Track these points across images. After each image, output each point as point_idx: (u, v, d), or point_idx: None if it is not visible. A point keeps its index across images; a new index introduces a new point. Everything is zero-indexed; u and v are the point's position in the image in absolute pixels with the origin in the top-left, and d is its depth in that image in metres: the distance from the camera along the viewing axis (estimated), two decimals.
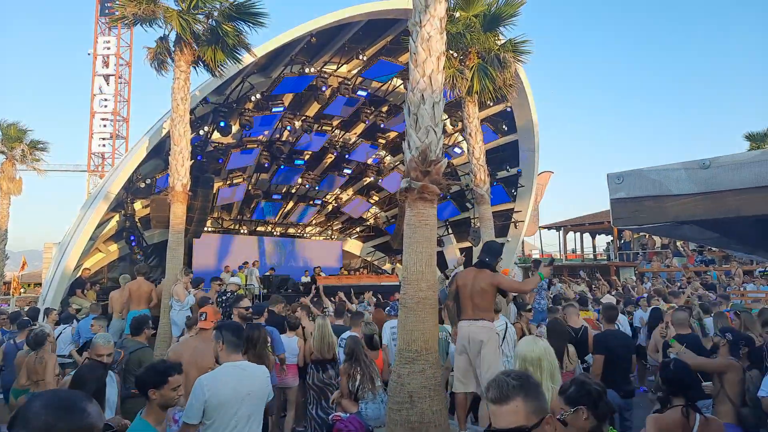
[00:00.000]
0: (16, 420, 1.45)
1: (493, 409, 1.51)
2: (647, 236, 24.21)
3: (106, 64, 33.54)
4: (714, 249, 21.26)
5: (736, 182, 1.57)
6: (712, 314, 7.11)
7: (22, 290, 23.48)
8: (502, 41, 11.81)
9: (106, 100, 33.39)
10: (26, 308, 9.65)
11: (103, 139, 33.72)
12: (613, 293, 13.42)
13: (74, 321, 8.72)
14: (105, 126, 33.58)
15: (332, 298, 10.32)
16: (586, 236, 29.79)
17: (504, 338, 5.59)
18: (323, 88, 16.24)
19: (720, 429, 3.07)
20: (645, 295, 11.16)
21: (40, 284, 20.34)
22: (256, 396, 3.23)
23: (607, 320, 5.90)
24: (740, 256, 12.37)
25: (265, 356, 4.75)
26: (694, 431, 2.92)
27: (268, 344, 5.21)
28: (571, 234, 28.73)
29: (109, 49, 33.59)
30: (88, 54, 33.96)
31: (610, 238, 27.38)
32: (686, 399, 3.05)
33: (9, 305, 16.00)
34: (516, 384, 1.50)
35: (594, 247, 30.35)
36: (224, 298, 9.30)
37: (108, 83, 33.53)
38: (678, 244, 24.14)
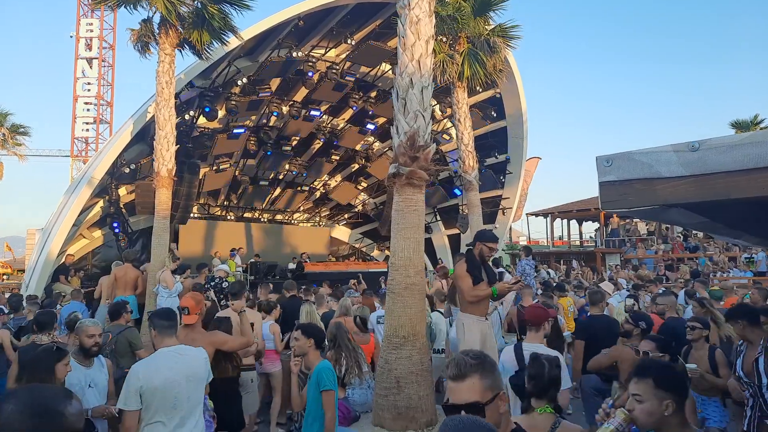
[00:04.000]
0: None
1: (452, 386, 1.59)
2: (633, 222, 24.45)
3: (89, 47, 32.86)
4: (699, 235, 21.55)
5: (726, 165, 1.55)
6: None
7: (5, 277, 23.18)
8: (492, 26, 11.75)
9: (89, 83, 32.76)
10: (8, 295, 9.50)
11: (87, 123, 33.14)
12: (594, 280, 13.57)
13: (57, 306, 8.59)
14: (88, 110, 32.99)
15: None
16: (573, 223, 30.01)
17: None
18: (310, 73, 16.07)
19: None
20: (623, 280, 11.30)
21: (23, 270, 20.06)
22: (195, 379, 3.29)
23: (591, 303, 5.95)
24: (726, 240, 12.52)
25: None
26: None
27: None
28: (558, 221, 28.91)
29: (92, 31, 32.89)
30: (71, 36, 33.22)
31: (596, 225, 27.62)
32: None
33: None
34: (474, 363, 1.58)
35: (581, 233, 30.62)
36: (212, 284, 9.26)
37: (91, 66, 32.88)
38: (663, 229, 24.42)
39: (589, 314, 6.12)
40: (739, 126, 19.97)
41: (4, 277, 23.25)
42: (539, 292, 9.49)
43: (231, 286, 6.33)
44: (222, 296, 8.52)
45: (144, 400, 3.09)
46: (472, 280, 4.72)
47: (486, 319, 4.96)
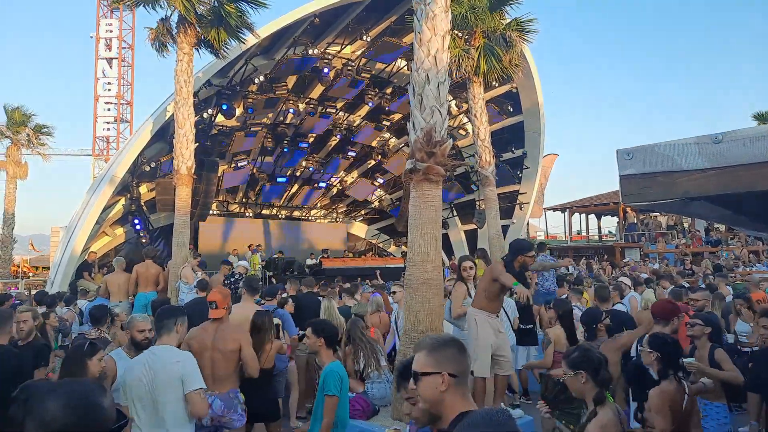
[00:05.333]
0: (30, 415, 1.39)
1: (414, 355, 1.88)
2: (652, 217, 24.09)
3: (108, 48, 33.29)
4: (721, 230, 21.16)
5: (749, 156, 1.53)
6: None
7: (30, 274, 23.70)
8: (508, 20, 11.65)
9: (109, 83, 33.19)
10: (34, 292, 9.73)
11: (108, 123, 33.60)
12: (612, 275, 13.41)
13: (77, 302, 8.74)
14: (109, 110, 33.42)
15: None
16: (592, 218, 29.67)
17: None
18: (326, 70, 16.11)
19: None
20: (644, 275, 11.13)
21: (48, 267, 20.50)
22: (162, 381, 3.20)
23: (600, 300, 5.89)
24: (749, 233, 12.28)
25: (265, 343, 4.73)
26: (687, 395, 3.16)
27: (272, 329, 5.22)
28: (576, 216, 28.61)
29: (111, 32, 33.31)
30: (91, 37, 33.67)
31: (615, 219, 27.28)
32: (674, 370, 3.26)
33: (19, 288, 16.15)
34: (428, 341, 1.86)
35: (599, 228, 30.27)
36: (232, 280, 9.36)
37: (111, 66, 33.30)
38: (685, 225, 24.03)
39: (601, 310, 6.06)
40: (762, 118, 19.55)
41: (29, 274, 23.78)
42: (554, 287, 9.41)
43: (246, 281, 6.40)
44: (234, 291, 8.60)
45: (126, 397, 3.19)
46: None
47: (497, 316, 5.06)
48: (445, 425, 1.74)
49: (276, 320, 5.08)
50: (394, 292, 6.36)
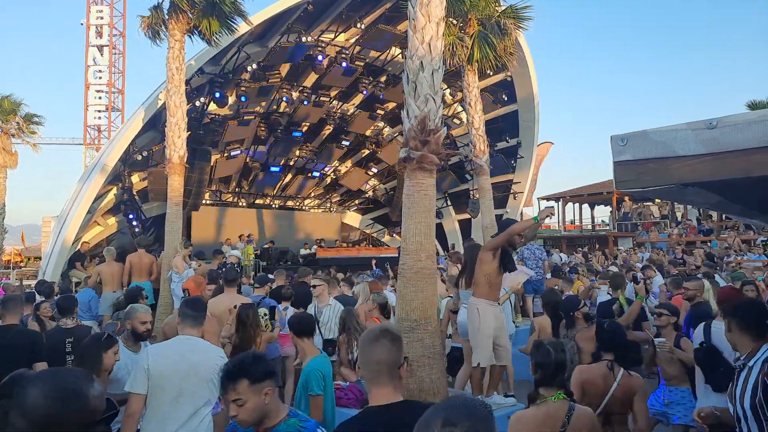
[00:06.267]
0: (15, 403, 1.37)
1: None
2: (645, 206, 24.20)
3: (99, 35, 32.91)
4: (713, 219, 21.29)
5: (744, 142, 1.52)
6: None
7: (22, 265, 23.55)
8: (503, 7, 11.58)
9: (100, 71, 32.86)
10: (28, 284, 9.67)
11: (99, 111, 33.31)
12: (605, 264, 13.49)
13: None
14: (100, 98, 33.13)
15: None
16: (585, 207, 29.77)
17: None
18: (320, 58, 15.98)
19: (640, 384, 3.33)
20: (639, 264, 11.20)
21: (40, 258, 20.37)
22: (202, 375, 3.07)
23: (614, 288, 5.93)
24: (742, 220, 12.36)
25: (255, 336, 4.73)
26: (616, 382, 3.18)
27: (262, 321, 5.23)
28: (569, 205, 28.68)
29: (102, 18, 32.91)
30: (81, 24, 33.29)
31: (608, 208, 27.38)
32: (615, 356, 3.32)
33: (10, 279, 16.05)
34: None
35: (593, 217, 30.37)
36: (224, 270, 9.33)
37: (102, 54, 32.95)
38: (678, 215, 24.16)
39: (611, 297, 6.10)
40: (755, 106, 19.57)
41: (21, 264, 23.62)
42: (548, 276, 9.46)
43: (226, 272, 6.40)
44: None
45: (150, 385, 2.97)
46: (502, 266, 4.81)
47: (499, 303, 5.03)
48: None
49: (263, 310, 5.10)
50: (314, 286, 6.14)
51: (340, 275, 9.62)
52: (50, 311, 6.61)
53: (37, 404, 1.34)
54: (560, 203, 27.66)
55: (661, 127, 1.69)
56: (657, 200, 22.78)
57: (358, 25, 15.79)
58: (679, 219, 23.48)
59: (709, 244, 18.28)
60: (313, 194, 24.44)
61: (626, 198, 23.37)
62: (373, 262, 13.11)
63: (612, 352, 3.34)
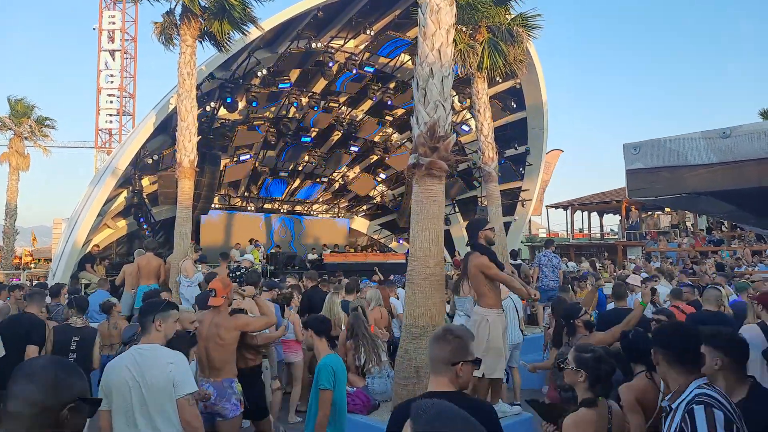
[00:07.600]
0: (16, 376, 1.44)
1: None
2: (654, 215, 24.03)
3: (111, 39, 33.25)
4: (723, 229, 21.09)
5: (757, 152, 1.51)
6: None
7: (32, 266, 23.74)
8: (513, 15, 11.60)
9: (112, 75, 33.16)
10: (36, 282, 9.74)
11: (110, 115, 33.59)
12: (616, 274, 13.38)
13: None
14: (111, 102, 33.41)
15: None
16: (594, 216, 29.59)
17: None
18: (330, 64, 16.06)
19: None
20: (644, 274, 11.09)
21: (50, 259, 20.54)
22: (149, 384, 2.82)
23: (616, 298, 5.85)
24: (754, 230, 12.24)
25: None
26: (661, 392, 3.08)
27: None
28: (578, 213, 28.53)
29: (114, 23, 33.26)
30: (93, 29, 33.64)
31: (617, 217, 27.19)
32: (646, 366, 3.18)
33: (20, 280, 16.19)
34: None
35: (601, 226, 30.18)
36: (237, 274, 9.36)
37: (114, 59, 33.27)
38: (688, 224, 23.96)
39: (614, 307, 6.02)
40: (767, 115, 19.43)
41: (31, 265, 23.82)
42: (556, 284, 9.42)
43: (248, 275, 6.41)
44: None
45: (108, 402, 2.82)
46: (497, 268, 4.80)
47: (502, 309, 5.03)
48: None
49: None
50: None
51: (346, 281, 9.60)
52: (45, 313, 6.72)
53: (45, 368, 1.44)
54: (569, 211, 27.53)
55: (674, 135, 1.68)
56: (667, 209, 22.61)
57: (368, 32, 15.86)
58: (690, 228, 23.29)
59: (719, 254, 18.10)
60: (321, 199, 24.49)
61: (633, 207, 23.22)
62: (376, 269, 13.05)
63: (643, 362, 3.24)
